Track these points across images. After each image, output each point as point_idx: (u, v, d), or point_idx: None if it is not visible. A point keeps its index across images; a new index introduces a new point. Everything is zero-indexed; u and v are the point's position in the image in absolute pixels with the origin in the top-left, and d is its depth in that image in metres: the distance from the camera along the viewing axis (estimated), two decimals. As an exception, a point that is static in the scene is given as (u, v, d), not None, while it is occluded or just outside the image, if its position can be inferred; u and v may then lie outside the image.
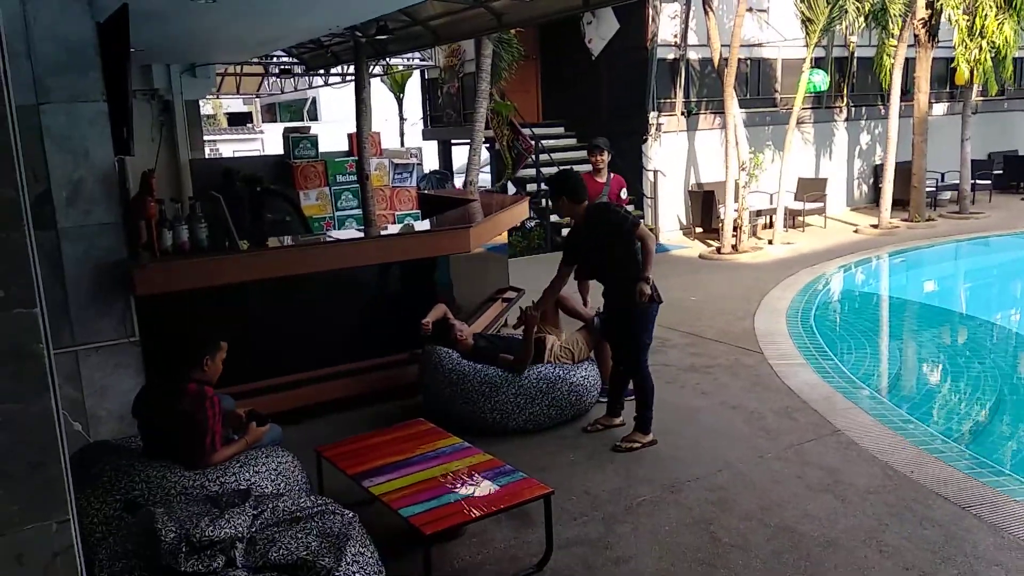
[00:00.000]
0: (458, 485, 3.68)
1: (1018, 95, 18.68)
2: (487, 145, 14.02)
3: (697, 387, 6.11)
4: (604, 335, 5.43)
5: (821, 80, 13.41)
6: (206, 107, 29.24)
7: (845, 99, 15.98)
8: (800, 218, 14.01)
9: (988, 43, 13.30)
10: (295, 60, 13.38)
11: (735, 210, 11.87)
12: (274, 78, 19.06)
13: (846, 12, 11.86)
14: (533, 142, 13.66)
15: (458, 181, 16.68)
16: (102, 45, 4.39)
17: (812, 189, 14.25)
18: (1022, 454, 5.49)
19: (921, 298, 10.62)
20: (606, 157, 6.73)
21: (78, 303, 4.48)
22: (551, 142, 14.42)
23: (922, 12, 13.38)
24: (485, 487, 3.67)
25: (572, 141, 14.76)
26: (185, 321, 4.65)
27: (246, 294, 5.42)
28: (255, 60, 14.72)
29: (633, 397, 5.23)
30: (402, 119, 23.96)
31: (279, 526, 3.05)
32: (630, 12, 13.13)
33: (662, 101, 13.73)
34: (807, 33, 12.06)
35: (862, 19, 12.84)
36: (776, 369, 6.43)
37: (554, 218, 13.11)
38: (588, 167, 7.11)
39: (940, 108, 17.13)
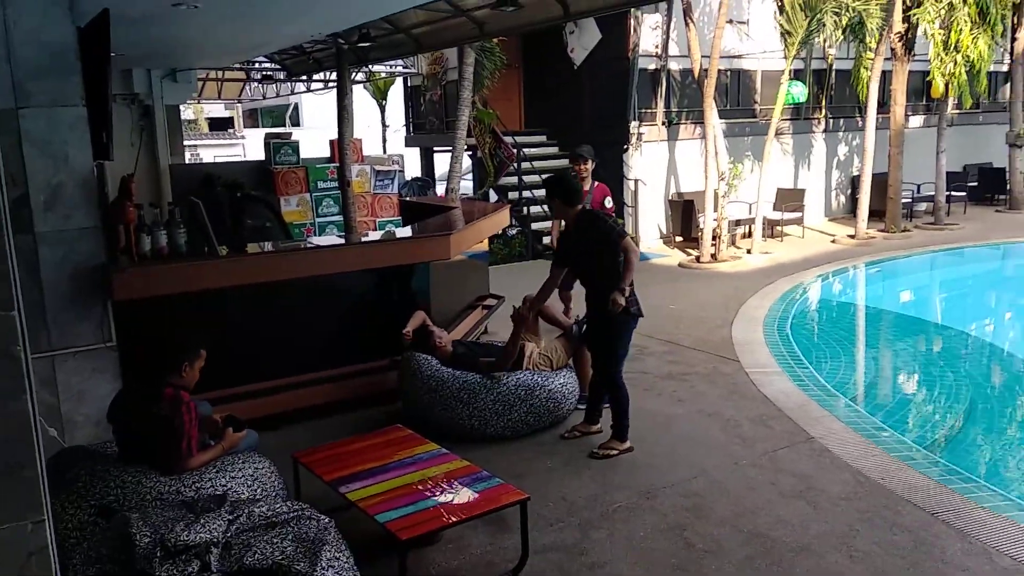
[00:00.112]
0: (435, 491, 3.71)
1: (993, 108, 19.01)
2: (469, 152, 14.07)
3: (674, 395, 6.17)
4: (584, 342, 5.47)
5: (800, 92, 13.58)
6: (187, 112, 29.05)
7: (823, 111, 16.19)
8: (778, 228, 14.17)
9: (963, 57, 13.55)
10: (277, 66, 13.36)
11: (714, 219, 11.99)
12: (256, 83, 18.99)
13: (824, 25, 12.03)
14: (515, 150, 13.72)
15: (440, 188, 16.71)
16: (83, 50, 4.39)
17: (790, 199, 14.41)
18: (991, 462, 5.59)
19: (896, 308, 10.77)
20: (590, 166, 6.79)
21: (55, 307, 4.46)
22: (533, 150, 14.50)
23: (899, 26, 13.60)
24: (462, 493, 3.70)
25: (554, 149, 14.85)
26: (164, 326, 4.65)
27: (225, 299, 5.42)
28: (237, 65, 14.67)
29: (610, 404, 5.30)
30: (384, 126, 23.97)
31: (254, 531, 3.06)
32: (612, 23, 13.25)
33: (643, 111, 13.85)
34: (786, 45, 12.23)
35: (840, 32, 13.02)
36: (752, 377, 6.51)
37: (536, 226, 13.17)
38: None
39: (916, 120, 17.39)
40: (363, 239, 7.23)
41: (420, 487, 3.75)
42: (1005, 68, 17.79)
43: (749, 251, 12.56)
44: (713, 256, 11.89)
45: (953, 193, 16.26)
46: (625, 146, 13.67)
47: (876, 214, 14.29)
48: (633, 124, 13.64)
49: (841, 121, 16.48)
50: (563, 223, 5.35)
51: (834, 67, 15.97)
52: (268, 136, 10.20)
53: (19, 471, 1.59)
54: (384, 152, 22.55)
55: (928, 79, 14.17)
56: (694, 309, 8.99)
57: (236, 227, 6.70)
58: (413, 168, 20.77)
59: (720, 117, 13.20)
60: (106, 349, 4.65)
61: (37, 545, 1.62)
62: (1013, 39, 16.42)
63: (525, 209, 13.68)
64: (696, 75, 12.33)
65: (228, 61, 12.49)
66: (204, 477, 3.56)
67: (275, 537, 3.02)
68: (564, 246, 5.32)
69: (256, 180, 9.19)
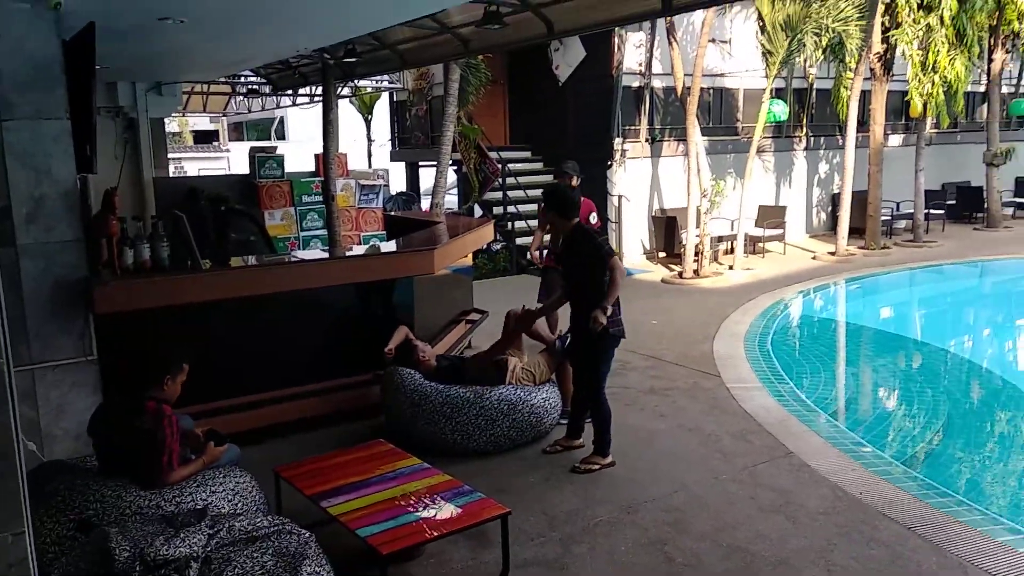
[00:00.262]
0: (416, 506, 3.71)
1: (970, 128, 19.31)
2: (454, 167, 14.13)
3: (656, 409, 6.21)
4: (567, 356, 5.50)
5: (781, 110, 13.76)
6: (171, 124, 28.95)
7: (804, 129, 16.39)
8: (760, 244, 14.29)
9: (941, 78, 13.77)
10: (263, 80, 13.39)
11: (697, 236, 12.09)
12: (241, 97, 19.00)
13: (804, 45, 12.20)
14: (500, 165, 13.80)
15: (425, 203, 16.75)
16: (68, 62, 4.40)
17: (772, 216, 14.56)
18: (967, 476, 5.65)
19: (876, 324, 10.88)
20: (575, 182, 6.84)
21: (36, 320, 4.44)
22: (518, 166, 14.58)
23: (877, 47, 13.83)
24: (443, 507, 3.71)
25: (539, 165, 14.94)
26: (146, 340, 4.63)
27: (209, 313, 5.41)
28: (222, 79, 14.68)
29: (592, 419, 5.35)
30: (370, 140, 24.01)
31: (235, 546, 3.06)
32: (597, 40, 13.38)
33: (627, 128, 13.98)
34: (767, 64, 12.39)
35: (820, 52, 13.22)
36: (733, 392, 6.56)
37: (520, 241, 13.22)
38: None
39: (895, 139, 17.63)
40: (347, 253, 7.24)
41: (402, 502, 3.76)
42: (982, 88, 18.10)
43: (731, 267, 12.66)
44: (695, 272, 11.97)
45: (932, 211, 16.48)
46: (609, 162, 13.77)
47: (856, 231, 14.46)
48: (617, 141, 13.76)
49: (822, 139, 16.69)
50: (545, 236, 5.41)
51: (815, 86, 16.18)
52: (253, 150, 10.20)
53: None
54: (369, 166, 22.59)
55: (907, 99, 14.38)
56: (676, 324, 9.05)
57: (220, 241, 6.70)
58: (398, 183, 20.84)
59: (703, 134, 13.32)
60: (87, 363, 4.63)
61: (17, 557, 1.62)
62: (990, 60, 16.71)
63: (509, 224, 13.73)
64: (679, 93, 12.47)
65: (214, 75, 12.50)
66: (184, 491, 3.55)
67: (255, 552, 3.02)
68: (560, 260, 5.40)
69: (241, 194, 9.19)
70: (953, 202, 18.15)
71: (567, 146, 13.99)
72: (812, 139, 16.56)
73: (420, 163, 18.00)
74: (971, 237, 16.24)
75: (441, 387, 5.32)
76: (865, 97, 14.53)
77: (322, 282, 5.90)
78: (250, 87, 15.90)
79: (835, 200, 15.43)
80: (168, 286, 5.00)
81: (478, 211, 14.16)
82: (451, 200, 16.06)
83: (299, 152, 17.13)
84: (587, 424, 5.33)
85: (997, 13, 15.11)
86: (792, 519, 4.34)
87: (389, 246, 8.03)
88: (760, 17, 12.23)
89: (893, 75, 14.39)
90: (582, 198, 6.97)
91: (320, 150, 9.48)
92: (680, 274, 12.12)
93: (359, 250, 8.30)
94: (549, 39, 8.16)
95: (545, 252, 7.51)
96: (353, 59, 8.03)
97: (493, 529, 3.86)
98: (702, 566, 3.88)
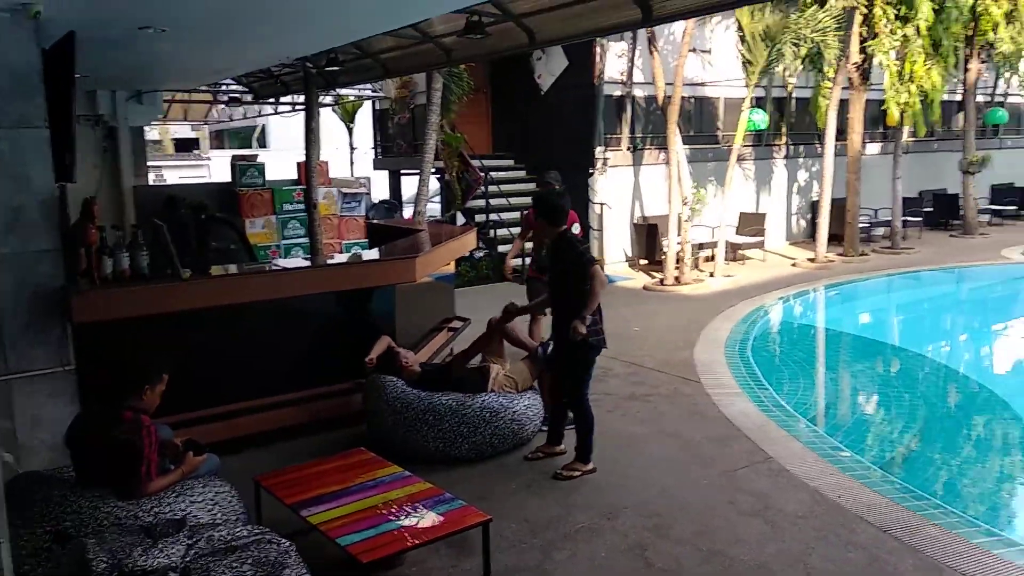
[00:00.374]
0: (397, 514, 3.72)
1: (946, 137, 19.58)
2: (437, 176, 14.14)
3: (637, 415, 6.24)
4: (548, 364, 5.52)
5: (761, 119, 13.89)
6: (152, 132, 28.75)
7: (784, 137, 16.56)
8: (740, 251, 14.41)
9: (917, 87, 13.97)
10: (245, 88, 13.35)
11: (678, 243, 12.18)
12: (223, 105, 18.94)
13: (783, 55, 12.35)
14: (483, 174, 13.83)
15: (408, 211, 16.74)
16: (47, 71, 4.38)
17: (752, 223, 14.69)
18: (943, 480, 5.72)
19: (854, 330, 10.99)
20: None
21: (13, 330, 4.41)
22: (501, 174, 14.63)
23: (855, 56, 14.01)
24: (424, 515, 3.72)
25: (522, 173, 14.98)
26: (125, 349, 4.61)
27: (188, 322, 5.38)
28: (204, 87, 14.63)
29: (574, 426, 5.38)
30: (352, 148, 23.98)
31: (214, 556, 3.05)
32: (579, 50, 13.47)
33: (609, 136, 14.06)
34: (747, 74, 12.52)
35: (799, 62, 13.37)
36: (714, 398, 6.61)
37: (503, 248, 13.24)
38: None
39: (873, 148, 17.84)
40: (329, 262, 7.23)
41: (382, 510, 3.76)
42: (958, 98, 18.37)
43: (712, 274, 12.76)
44: (677, 279, 12.05)
45: (909, 218, 16.68)
46: (591, 170, 13.85)
47: (835, 238, 14.61)
48: (599, 149, 13.84)
49: (801, 147, 16.86)
50: (525, 239, 5.44)
51: (794, 95, 16.35)
52: (234, 158, 10.17)
53: (-25, 493, 1.59)
54: (352, 174, 22.53)
55: (884, 108, 14.56)
56: (658, 331, 9.11)
57: (200, 249, 6.68)
58: (381, 191, 20.81)
59: (684, 143, 13.43)
60: (64, 373, 4.59)
61: (-7, 567, 1.62)
62: (965, 70, 16.97)
63: (492, 232, 13.76)
64: (660, 102, 12.57)
65: (195, 83, 12.46)
66: (163, 502, 3.53)
67: (235, 561, 3.01)
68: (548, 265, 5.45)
69: (221, 202, 9.16)
70: (930, 209, 18.39)
71: (549, 154, 14.04)
72: (791, 147, 16.73)
73: (403, 171, 17.99)
74: (948, 244, 16.45)
75: (423, 395, 5.33)
76: (843, 106, 14.70)
77: (303, 290, 5.89)
78: (231, 95, 15.82)
79: (814, 207, 15.58)
80: (147, 295, 4.98)
81: (461, 219, 14.18)
82: (434, 208, 16.07)
83: (281, 160, 17.05)
84: (568, 430, 5.37)
85: (972, 24, 15.37)
86: (771, 523, 4.38)
87: (371, 254, 8.03)
88: (740, 27, 12.37)
89: (871, 84, 14.58)
90: None
91: (302, 158, 9.46)
92: (661, 281, 12.19)
93: (341, 258, 8.28)
94: (531, 49, 8.20)
95: (528, 262, 7.52)
96: (335, 68, 8.03)
97: (474, 536, 3.87)
98: (682, 570, 3.90)
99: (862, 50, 14.02)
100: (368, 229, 10.01)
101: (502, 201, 14.01)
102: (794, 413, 6.36)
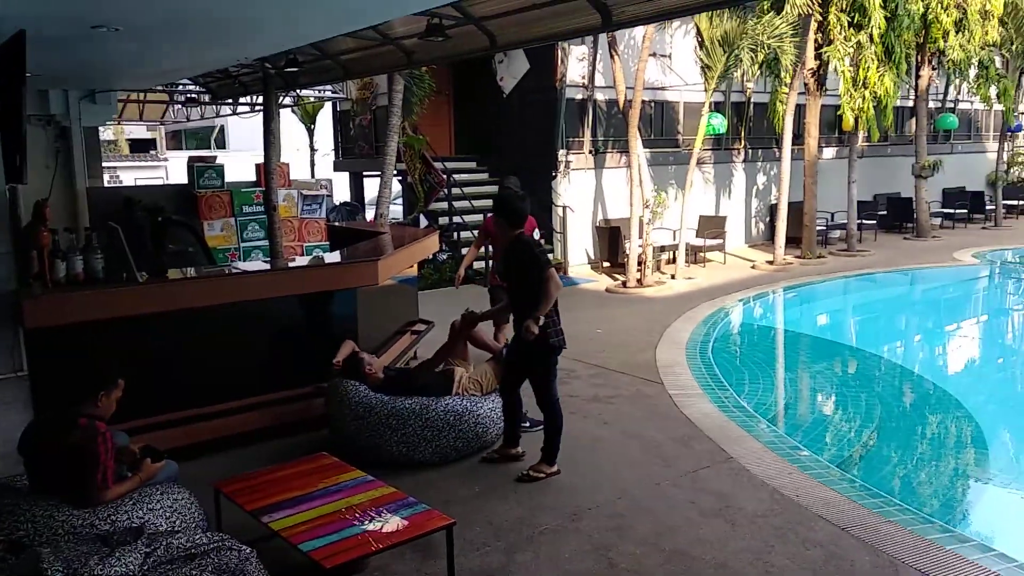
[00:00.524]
0: (361, 519, 3.69)
1: (900, 142, 20.07)
2: (399, 178, 14.08)
3: (600, 417, 6.28)
4: (506, 364, 5.51)
5: (719, 123, 14.08)
6: (106, 133, 28.18)
7: (743, 142, 16.81)
8: (701, 254, 14.59)
9: (871, 93, 14.29)
10: (202, 89, 13.16)
11: (640, 246, 12.28)
12: (179, 106, 18.64)
13: (741, 61, 12.53)
14: (445, 176, 13.80)
15: (370, 213, 16.64)
16: (-5, 70, 4.27)
17: (712, 226, 14.88)
18: (899, 478, 5.86)
19: (813, 331, 11.20)
20: None
21: (-38, 336, 4.29)
22: (463, 176, 14.61)
23: (811, 63, 14.28)
24: (388, 520, 3.69)
25: (484, 176, 14.99)
26: (79, 354, 4.51)
27: (145, 326, 5.28)
28: (160, 87, 14.39)
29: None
30: (313, 150, 23.78)
31: (173, 564, 3.00)
32: (540, 53, 13.51)
33: (571, 139, 14.14)
34: (706, 79, 12.69)
35: (756, 68, 13.59)
36: (675, 399, 6.68)
37: (466, 251, 13.21)
38: None
39: (829, 152, 18.21)
40: (289, 264, 7.15)
41: (346, 515, 3.72)
42: (911, 104, 18.83)
43: (673, 276, 12.90)
44: (639, 281, 12.16)
45: (864, 221, 17.07)
46: (553, 173, 13.90)
47: (793, 241, 14.87)
48: (561, 152, 13.91)
49: (759, 152, 17.13)
50: (480, 248, 5.43)
51: (752, 100, 16.63)
52: (191, 159, 10.01)
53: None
54: (312, 176, 22.34)
55: (839, 113, 14.88)
56: (620, 333, 9.17)
57: (157, 252, 6.56)
58: (342, 193, 20.66)
59: (644, 146, 13.58)
60: (16, 379, 4.49)
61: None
62: (917, 76, 17.41)
63: (455, 234, 13.73)
64: (621, 106, 12.67)
65: (151, 83, 12.24)
66: (120, 509, 3.46)
67: (194, 569, 2.97)
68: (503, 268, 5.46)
69: (179, 204, 9.00)
70: (884, 213, 18.83)
71: (512, 157, 14.08)
72: (750, 151, 16.99)
73: (364, 173, 17.87)
74: (901, 246, 16.84)
75: (386, 399, 5.29)
76: (800, 111, 14.98)
77: (263, 294, 5.82)
78: (188, 96, 15.59)
79: (772, 211, 15.85)
80: (102, 299, 4.88)
81: (424, 221, 14.13)
82: (396, 210, 16.00)
83: (240, 161, 16.83)
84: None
85: (923, 32, 15.76)
86: (731, 522, 4.44)
87: (333, 257, 7.96)
88: (699, 33, 12.53)
89: (826, 90, 14.89)
90: None
91: (262, 159, 9.34)
92: (624, 283, 12.29)
93: (302, 261, 8.20)
94: (492, 52, 8.21)
95: (491, 268, 7.47)
96: (295, 69, 7.95)
97: (438, 540, 3.86)
98: (644, 570, 3.94)
99: (818, 56, 14.31)
100: (329, 232, 9.92)
101: (465, 203, 13.99)
102: (754, 413, 6.45)
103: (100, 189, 10.19)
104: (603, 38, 13.20)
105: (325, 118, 22.44)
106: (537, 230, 7.04)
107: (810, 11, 13.52)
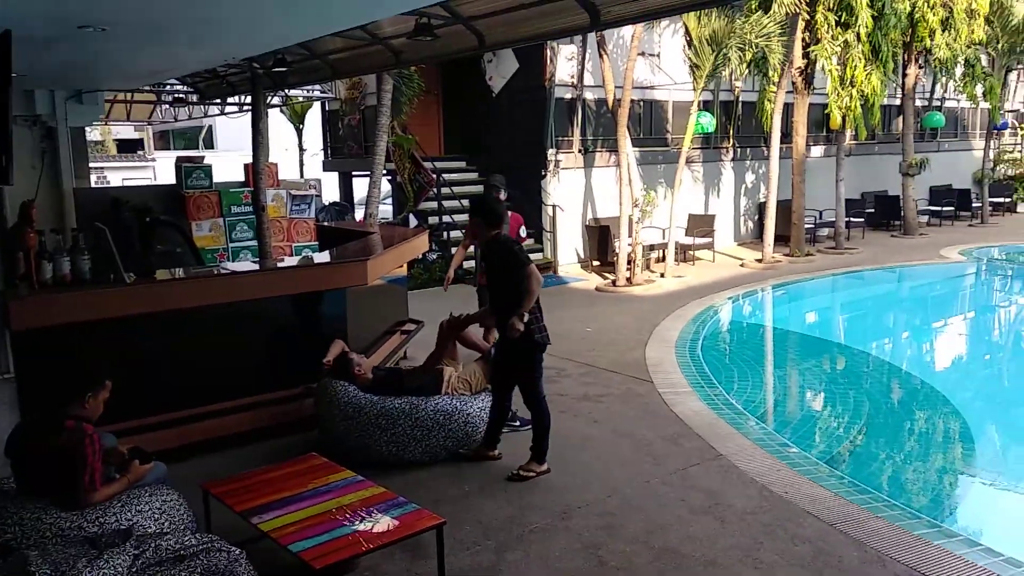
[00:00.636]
0: (351, 519, 3.68)
1: (887, 140, 20.18)
2: (388, 177, 14.06)
3: (590, 415, 6.29)
4: (494, 364, 5.52)
5: (708, 122, 14.13)
6: (93, 133, 28.02)
7: (731, 140, 16.87)
8: (690, 252, 14.64)
9: (858, 91, 14.36)
10: (190, 89, 13.10)
11: (629, 244, 12.31)
12: (167, 106, 18.54)
13: (729, 60, 12.57)
14: (435, 175, 13.79)
15: (359, 213, 16.60)
16: (-20, 71, 4.25)
17: (701, 225, 14.93)
18: (887, 474, 5.89)
19: (801, 329, 11.25)
20: (503, 196, 6.88)
21: (-53, 338, 4.26)
22: (453, 176, 14.61)
23: (799, 61, 14.34)
24: (378, 520, 3.69)
25: (474, 175, 14.98)
26: (67, 356, 4.49)
27: (133, 328, 5.26)
28: (147, 87, 14.31)
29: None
30: (302, 150, 23.69)
31: (161, 566, 2.99)
32: (529, 53, 13.53)
33: (560, 139, 14.15)
34: (695, 78, 12.72)
35: (744, 67, 13.61)
36: (665, 397, 6.70)
37: (455, 250, 13.21)
38: None
39: (817, 151, 18.29)
40: (278, 265, 7.14)
41: (336, 515, 3.72)
42: (897, 102, 18.93)
43: (663, 275, 12.93)
44: (628, 280, 12.18)
45: (852, 219, 17.17)
46: (543, 173, 13.91)
47: (781, 239, 14.93)
48: (551, 151, 13.91)
49: (748, 150, 17.19)
50: (469, 248, 5.43)
51: (740, 99, 16.68)
52: (179, 159, 9.97)
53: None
54: (301, 176, 22.27)
55: (827, 112, 14.94)
56: (610, 332, 9.19)
57: (145, 253, 6.54)
58: (331, 192, 20.61)
59: (633, 145, 13.61)
60: (3, 381, 4.46)
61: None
62: (904, 75, 17.51)
63: (445, 234, 13.73)
64: (610, 105, 12.69)
65: (138, 83, 12.17)
66: (108, 511, 3.45)
67: (183, 571, 2.96)
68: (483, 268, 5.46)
69: (167, 204, 8.97)
70: (872, 210, 18.93)
71: (502, 156, 14.08)
72: (739, 150, 17.05)
73: (353, 173, 17.85)
74: (889, 244, 16.94)
75: (375, 399, 5.29)
76: (788, 110, 15.04)
77: (252, 294, 5.81)
78: (176, 96, 15.51)
79: (761, 209, 15.92)
80: (89, 300, 4.86)
81: (413, 221, 14.12)
82: (386, 210, 15.97)
83: (228, 162, 16.75)
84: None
85: (910, 30, 15.86)
86: (721, 519, 4.46)
87: (322, 257, 7.95)
88: (687, 32, 12.56)
89: (814, 89, 14.95)
90: (511, 212, 7.04)
91: (250, 159, 9.31)
92: (613, 282, 12.31)
93: (291, 261, 8.18)
94: (480, 52, 8.22)
95: (478, 269, 7.44)
96: (283, 69, 7.93)
97: (428, 540, 3.86)
98: (634, 568, 3.95)
99: (805, 55, 14.37)
100: (318, 232, 9.90)
101: (454, 203, 13.99)
102: (743, 411, 6.48)
103: (87, 190, 10.14)
104: (592, 37, 13.21)
105: (314, 118, 22.36)
106: (524, 227, 7.04)
107: (797, 10, 13.58)
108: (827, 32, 13.95)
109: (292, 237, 9.65)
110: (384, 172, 12.46)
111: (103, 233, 5.03)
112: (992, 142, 20.85)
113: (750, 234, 17.33)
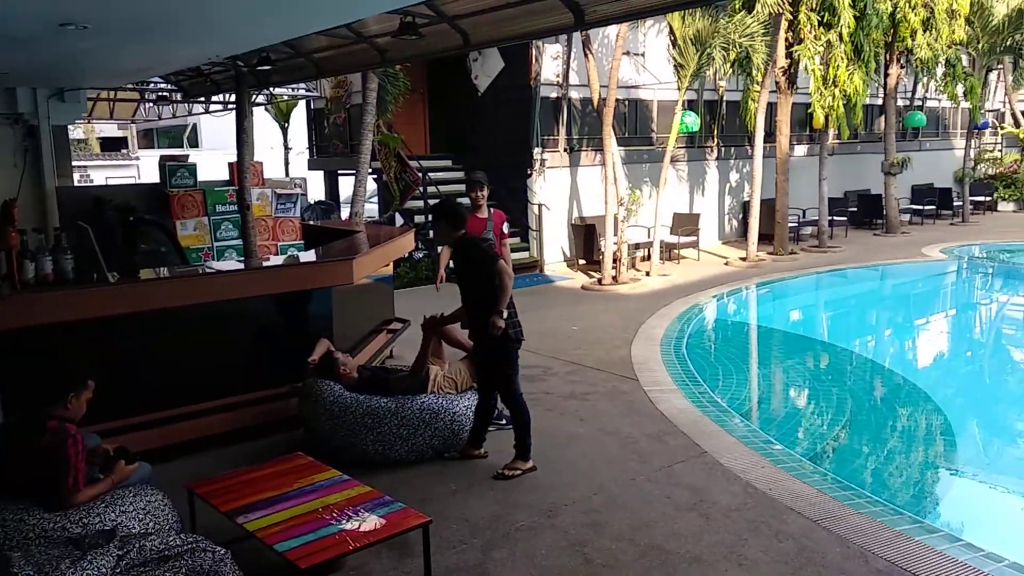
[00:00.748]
0: (337, 518, 3.68)
1: (869, 139, 20.33)
2: (374, 176, 14.03)
3: (576, 414, 6.31)
4: (478, 364, 5.52)
5: (692, 121, 14.19)
6: (76, 131, 27.78)
7: (716, 139, 16.95)
8: (675, 251, 14.70)
9: (840, 91, 14.47)
10: (174, 87, 13.02)
11: (615, 243, 12.35)
12: (151, 104, 18.41)
13: (713, 59, 12.63)
14: (421, 174, 13.77)
15: (345, 212, 16.55)
16: (-40, 69, 4.21)
17: (686, 224, 15.00)
18: (870, 470, 5.95)
19: (785, 327, 11.33)
20: (485, 192, 6.86)
21: (-73, 338, 4.22)
22: (439, 174, 14.59)
23: (782, 61, 14.44)
24: (364, 519, 3.69)
25: (460, 174, 14.96)
26: (49, 356, 4.46)
27: (117, 327, 5.23)
28: (130, 85, 14.21)
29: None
30: (287, 148, 23.59)
31: (146, 566, 2.98)
32: (515, 51, 13.54)
33: (546, 138, 14.17)
34: (679, 77, 12.79)
35: (728, 66, 13.68)
36: (650, 395, 6.73)
37: (441, 249, 13.20)
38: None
39: (801, 150, 18.41)
40: (263, 264, 7.11)
41: (322, 514, 3.72)
42: (880, 102, 19.08)
43: (648, 273, 12.99)
44: (614, 278, 12.22)
45: (835, 218, 17.30)
46: (529, 171, 13.93)
47: (765, 237, 15.02)
48: (536, 150, 13.93)
49: (732, 149, 17.28)
50: None
51: (724, 98, 16.76)
52: (163, 158, 9.90)
53: None
54: (287, 175, 22.18)
55: (810, 111, 15.05)
56: (596, 330, 9.22)
57: (129, 252, 6.49)
58: (317, 191, 20.52)
59: (619, 144, 13.65)
60: (-16, 381, 4.42)
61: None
62: (886, 75, 17.65)
63: (431, 232, 13.68)
64: (595, 104, 12.73)
65: (121, 81, 12.08)
66: (92, 512, 3.43)
67: (167, 571, 2.95)
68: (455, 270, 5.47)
69: (151, 203, 8.90)
70: (855, 209, 19.08)
71: (487, 155, 14.08)
72: (723, 149, 17.13)
73: (339, 172, 17.79)
74: (871, 242, 17.08)
75: (361, 398, 5.29)
76: (771, 109, 15.14)
77: (237, 294, 5.79)
78: (160, 94, 15.41)
79: (745, 208, 16.00)
80: (72, 300, 4.83)
81: (399, 220, 14.09)
82: (372, 209, 15.94)
83: (213, 160, 16.66)
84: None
85: (892, 30, 15.99)
86: (705, 516, 4.49)
87: (307, 256, 7.92)
88: (672, 32, 12.62)
89: (797, 88, 15.06)
90: (493, 209, 7.05)
91: (235, 158, 9.27)
92: (599, 281, 12.35)
93: (276, 260, 8.15)
94: (465, 51, 8.22)
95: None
96: (267, 67, 7.90)
97: (415, 538, 3.87)
98: (619, 565, 3.97)
99: (788, 55, 14.46)
100: (304, 230, 9.86)
101: (441, 202, 13.95)
102: (728, 409, 6.52)
103: (70, 188, 10.04)
104: (577, 37, 13.24)
105: (299, 116, 22.26)
106: (507, 224, 7.04)
107: (780, 10, 13.66)
108: (810, 32, 14.05)
109: (277, 236, 9.60)
110: (370, 171, 12.42)
111: (86, 232, 5.00)
112: (973, 141, 21.07)
113: (734, 233, 17.43)
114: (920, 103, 21.78)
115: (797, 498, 4.70)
